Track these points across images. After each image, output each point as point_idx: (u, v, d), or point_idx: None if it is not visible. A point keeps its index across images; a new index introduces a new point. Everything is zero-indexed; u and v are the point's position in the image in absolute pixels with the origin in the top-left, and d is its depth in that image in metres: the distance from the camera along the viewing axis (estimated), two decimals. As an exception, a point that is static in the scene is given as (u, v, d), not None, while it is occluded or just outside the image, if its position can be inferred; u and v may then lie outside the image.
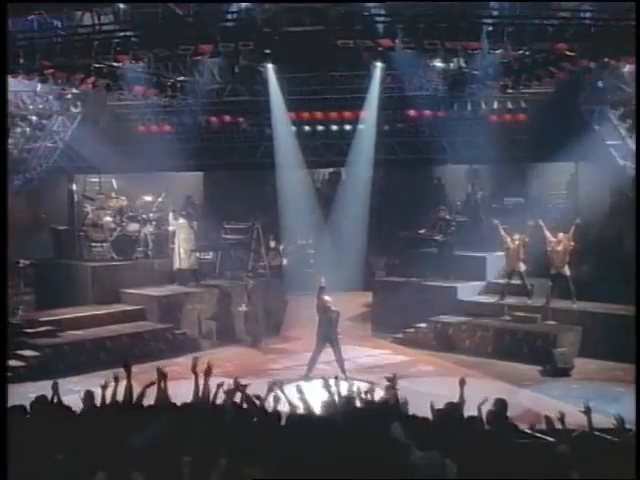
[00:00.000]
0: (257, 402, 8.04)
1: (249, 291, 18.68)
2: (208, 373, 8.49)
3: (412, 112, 21.04)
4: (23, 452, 6.24)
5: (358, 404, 8.25)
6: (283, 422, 7.25)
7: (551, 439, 7.55)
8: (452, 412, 7.68)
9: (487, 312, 17.93)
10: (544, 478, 6.13)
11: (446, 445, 6.48)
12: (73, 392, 9.45)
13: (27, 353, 15.74)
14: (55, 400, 8.35)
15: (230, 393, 8.19)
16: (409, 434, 6.51)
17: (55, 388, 8.50)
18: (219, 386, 8.31)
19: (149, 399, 8.15)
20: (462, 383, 8.55)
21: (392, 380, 9.08)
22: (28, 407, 7.60)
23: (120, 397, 8.20)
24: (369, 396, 8.61)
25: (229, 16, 15.93)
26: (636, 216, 15.64)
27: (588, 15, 15.00)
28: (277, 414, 7.53)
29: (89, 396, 8.23)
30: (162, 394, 8.22)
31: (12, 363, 15.25)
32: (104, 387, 8.38)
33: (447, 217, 20.12)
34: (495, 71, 17.17)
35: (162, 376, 8.35)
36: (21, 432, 6.67)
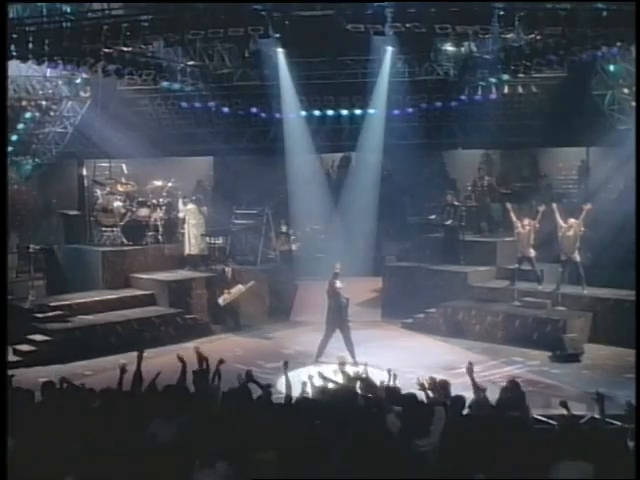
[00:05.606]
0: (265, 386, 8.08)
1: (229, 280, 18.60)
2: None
3: (422, 96, 20.94)
4: (31, 435, 6.29)
5: (364, 390, 8.26)
6: (292, 406, 7.28)
7: (556, 423, 7.57)
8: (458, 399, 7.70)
9: (497, 297, 17.89)
10: (553, 463, 6.14)
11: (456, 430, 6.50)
12: (84, 377, 9.49)
13: (38, 338, 15.81)
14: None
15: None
16: (414, 420, 6.53)
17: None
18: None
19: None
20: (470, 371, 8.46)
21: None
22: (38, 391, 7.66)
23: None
24: (377, 382, 8.62)
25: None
26: (636, 213, 15.59)
27: (600, -1, 14.85)
28: (286, 398, 7.55)
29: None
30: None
31: (23, 348, 15.37)
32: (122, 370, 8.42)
33: (455, 202, 20.06)
34: (506, 55, 17.06)
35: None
36: (29, 416, 6.72)
